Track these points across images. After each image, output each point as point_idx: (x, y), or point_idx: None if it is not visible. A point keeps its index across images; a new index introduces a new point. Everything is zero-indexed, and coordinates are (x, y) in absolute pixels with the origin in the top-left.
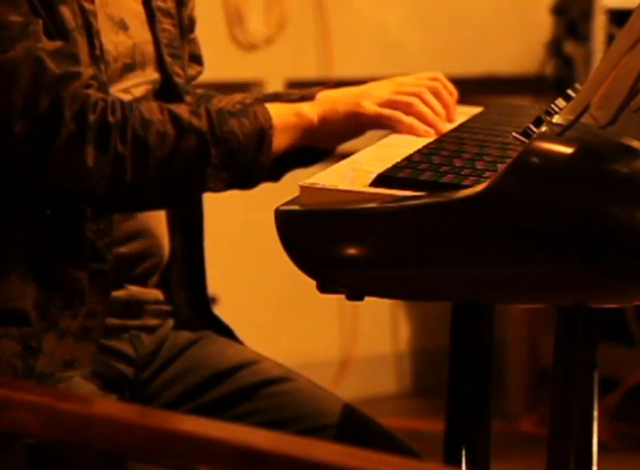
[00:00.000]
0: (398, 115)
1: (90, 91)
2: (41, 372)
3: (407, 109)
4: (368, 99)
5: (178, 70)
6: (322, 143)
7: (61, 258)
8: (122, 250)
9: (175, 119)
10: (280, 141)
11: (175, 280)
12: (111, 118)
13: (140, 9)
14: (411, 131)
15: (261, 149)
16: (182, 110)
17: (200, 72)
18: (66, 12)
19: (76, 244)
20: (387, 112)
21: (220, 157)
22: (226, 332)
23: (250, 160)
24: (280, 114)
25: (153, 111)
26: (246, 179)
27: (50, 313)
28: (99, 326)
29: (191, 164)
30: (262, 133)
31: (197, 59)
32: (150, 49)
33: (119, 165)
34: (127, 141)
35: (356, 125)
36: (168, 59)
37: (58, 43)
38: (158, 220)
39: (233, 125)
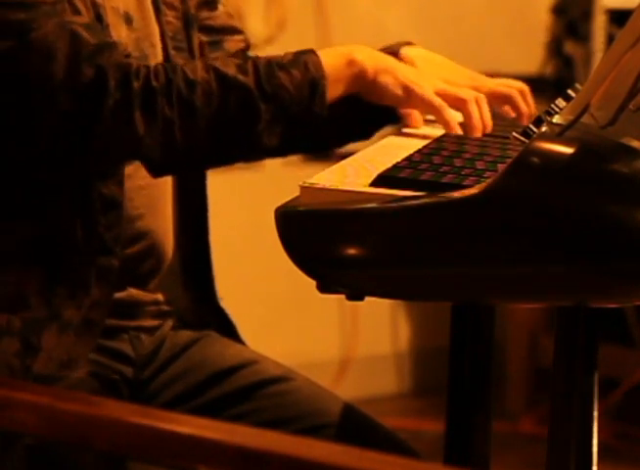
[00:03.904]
0: (445, 108)
1: (131, 59)
2: (38, 373)
3: (457, 103)
4: (429, 81)
5: (182, 62)
6: (370, 96)
7: (67, 249)
8: (125, 251)
9: (220, 77)
10: (333, 89)
11: (180, 277)
12: (154, 83)
13: (146, 1)
14: (446, 127)
15: (314, 99)
16: (229, 66)
17: (242, 41)
18: (80, 5)
19: (84, 236)
20: (437, 102)
21: (271, 112)
22: (229, 328)
23: (303, 111)
24: (331, 63)
25: (197, 70)
26: (302, 131)
27: (53, 302)
28: (101, 319)
29: (240, 120)
30: (315, 83)
31: (229, 30)
32: (157, 41)
33: (169, 129)
34: (174, 104)
35: (405, 98)
36: (172, 52)
37: (86, 18)
38: (162, 220)
39: (282, 79)
